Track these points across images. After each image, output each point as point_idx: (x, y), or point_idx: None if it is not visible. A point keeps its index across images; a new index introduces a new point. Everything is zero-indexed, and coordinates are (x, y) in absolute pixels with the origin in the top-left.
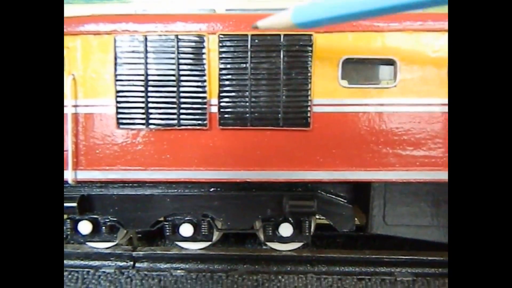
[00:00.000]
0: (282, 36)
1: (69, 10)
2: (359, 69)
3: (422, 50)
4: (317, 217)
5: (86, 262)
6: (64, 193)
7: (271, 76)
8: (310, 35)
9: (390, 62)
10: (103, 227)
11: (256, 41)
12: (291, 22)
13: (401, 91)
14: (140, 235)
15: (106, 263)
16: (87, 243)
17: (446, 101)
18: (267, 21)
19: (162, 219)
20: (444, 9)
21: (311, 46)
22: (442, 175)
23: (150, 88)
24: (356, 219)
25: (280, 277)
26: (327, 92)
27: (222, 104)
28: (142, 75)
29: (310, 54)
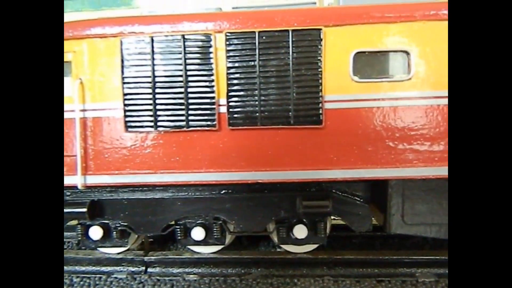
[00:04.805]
0: (290, 32)
1: (78, 18)
2: (372, 63)
3: (436, 40)
4: (333, 217)
5: (98, 268)
6: (74, 198)
7: (281, 73)
8: (320, 29)
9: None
10: (114, 232)
11: (264, 38)
12: None
13: (415, 84)
14: (152, 240)
15: (118, 268)
16: (98, 248)
17: None
18: None
19: (173, 223)
20: None
21: (320, 41)
22: None
23: (157, 90)
24: (373, 219)
25: (295, 280)
26: (339, 87)
27: (231, 103)
28: (150, 76)
29: (320, 49)
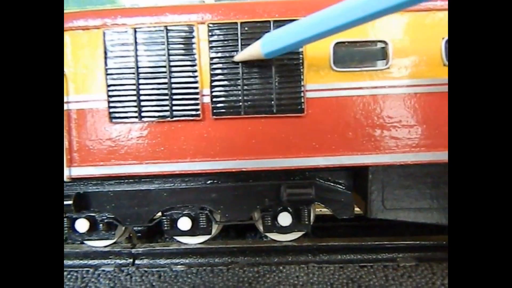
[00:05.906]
0: (272, 23)
1: None
2: (354, 52)
3: (413, 30)
4: (318, 209)
5: (85, 261)
6: None
7: (263, 63)
8: None
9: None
10: (101, 225)
11: (246, 28)
12: (261, 53)
13: (393, 73)
14: (139, 234)
15: (105, 261)
16: (85, 242)
17: (439, 80)
18: (241, 55)
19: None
20: None
21: None
22: (440, 156)
23: (141, 81)
24: (356, 207)
25: (281, 267)
26: (320, 77)
27: (214, 93)
28: (133, 68)
29: None
